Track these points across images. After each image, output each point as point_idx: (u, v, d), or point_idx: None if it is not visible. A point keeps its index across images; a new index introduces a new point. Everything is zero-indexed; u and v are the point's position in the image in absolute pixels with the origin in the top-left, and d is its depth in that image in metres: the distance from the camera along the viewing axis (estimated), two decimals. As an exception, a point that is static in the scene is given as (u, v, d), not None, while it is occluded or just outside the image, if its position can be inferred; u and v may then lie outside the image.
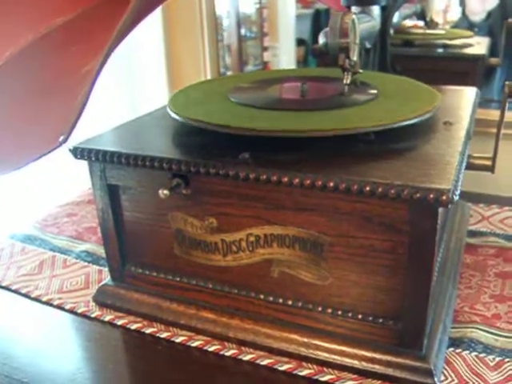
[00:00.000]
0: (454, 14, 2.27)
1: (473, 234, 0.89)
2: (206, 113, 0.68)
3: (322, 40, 0.75)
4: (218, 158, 0.59)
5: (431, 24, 1.41)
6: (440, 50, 1.27)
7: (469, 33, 1.43)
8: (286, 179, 0.55)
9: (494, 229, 0.90)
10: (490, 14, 2.00)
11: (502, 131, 0.67)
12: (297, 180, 0.54)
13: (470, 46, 1.32)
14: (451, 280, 0.72)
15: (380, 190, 0.51)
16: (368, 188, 0.52)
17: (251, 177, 0.56)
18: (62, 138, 0.43)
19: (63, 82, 0.52)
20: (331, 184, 0.53)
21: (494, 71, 1.41)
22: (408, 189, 0.51)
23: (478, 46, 1.32)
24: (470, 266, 0.80)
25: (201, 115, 0.66)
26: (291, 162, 0.57)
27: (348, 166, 0.56)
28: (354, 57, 0.72)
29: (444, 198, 0.49)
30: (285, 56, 2.58)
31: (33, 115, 0.51)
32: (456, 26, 2.05)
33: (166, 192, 0.59)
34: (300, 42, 2.85)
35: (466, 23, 2.04)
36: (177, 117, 0.67)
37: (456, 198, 0.51)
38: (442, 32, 1.40)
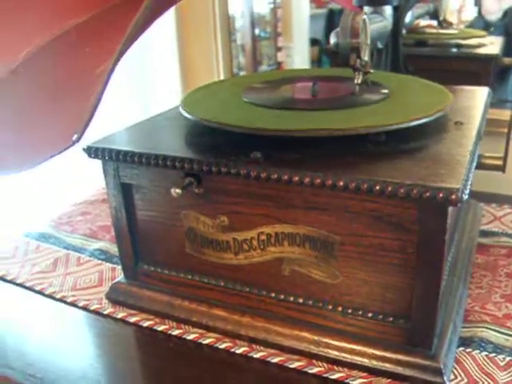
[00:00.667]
0: (469, 14, 2.26)
1: (484, 234, 0.89)
2: (218, 113, 0.68)
3: (333, 40, 0.76)
4: (229, 157, 0.60)
5: (445, 24, 1.41)
6: (453, 50, 1.27)
7: (482, 32, 1.42)
8: (296, 178, 0.55)
9: (506, 229, 0.90)
10: (506, 13, 1.98)
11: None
12: (307, 179, 0.55)
13: (483, 45, 1.31)
14: (462, 280, 0.72)
15: (389, 189, 0.52)
16: (378, 187, 0.52)
17: (262, 176, 0.57)
18: (75, 137, 0.43)
19: (77, 82, 0.52)
20: (341, 183, 0.53)
21: (509, 71, 1.40)
22: (417, 188, 0.51)
23: (492, 45, 1.31)
24: (481, 266, 0.80)
25: (213, 115, 0.66)
26: (302, 161, 0.58)
27: (358, 166, 0.56)
28: (365, 57, 0.72)
29: (453, 197, 0.50)
30: (299, 56, 2.58)
31: (47, 114, 0.52)
32: (471, 25, 2.03)
33: (178, 191, 0.60)
34: (314, 42, 2.85)
35: (481, 23, 2.03)
36: (189, 116, 0.68)
37: (465, 197, 0.51)
38: (455, 32, 1.39)
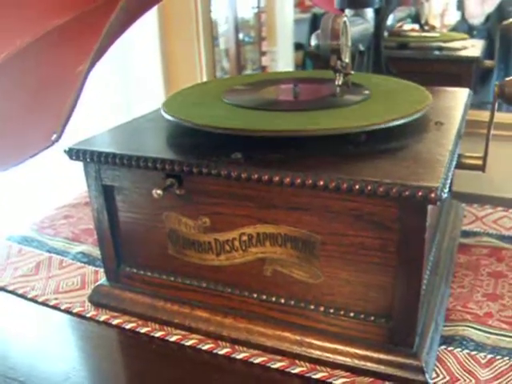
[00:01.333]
0: (452, 18, 2.28)
1: (466, 234, 0.89)
2: (199, 114, 0.69)
3: (313, 42, 0.76)
4: (210, 157, 0.60)
5: (427, 27, 1.42)
6: (435, 53, 1.28)
7: (463, 35, 1.44)
8: (277, 178, 0.55)
9: (488, 229, 0.91)
10: (488, 18, 2.00)
11: (500, 132, 0.68)
12: (287, 179, 0.55)
13: (464, 48, 1.32)
14: (444, 279, 0.73)
15: (369, 188, 0.52)
16: (357, 186, 0.52)
17: (243, 176, 0.57)
18: (54, 137, 0.43)
19: (57, 83, 0.52)
20: (321, 183, 0.54)
21: (490, 74, 1.41)
22: (397, 187, 0.51)
23: (473, 48, 1.33)
24: (463, 266, 0.81)
25: (194, 116, 0.66)
26: (283, 161, 0.58)
27: (338, 166, 0.57)
28: (346, 58, 0.72)
29: (432, 195, 0.50)
30: (283, 60, 2.58)
31: (26, 115, 0.52)
32: (454, 29, 2.05)
33: (159, 192, 0.60)
34: (298, 47, 2.86)
35: (464, 27, 2.05)
36: (170, 118, 0.68)
37: (445, 195, 0.51)
38: (437, 34, 1.40)
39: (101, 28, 0.57)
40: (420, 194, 0.50)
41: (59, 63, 0.57)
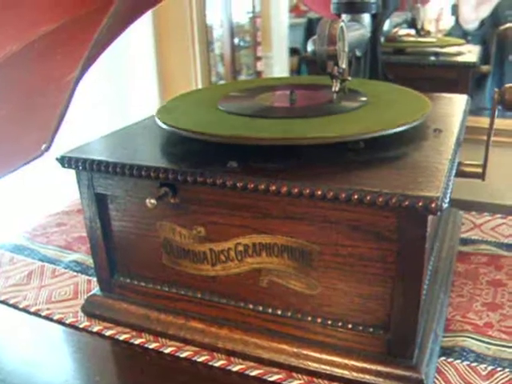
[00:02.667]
0: (447, 23, 2.28)
1: (464, 241, 0.88)
2: (193, 122, 0.67)
3: (310, 47, 0.75)
4: (205, 166, 0.59)
5: (423, 32, 1.41)
6: (431, 58, 1.27)
7: (460, 41, 1.43)
8: (273, 188, 0.54)
9: (486, 237, 0.90)
10: (483, 23, 2.00)
11: (495, 138, 0.67)
12: (284, 188, 0.54)
13: (461, 53, 1.32)
14: (443, 288, 0.72)
15: (368, 198, 0.51)
16: (356, 196, 0.51)
17: (239, 185, 0.56)
18: (44, 146, 0.42)
19: (47, 90, 0.51)
20: (319, 192, 0.52)
21: (486, 79, 1.41)
22: (396, 197, 0.50)
23: (469, 53, 1.32)
24: (462, 274, 0.80)
25: (188, 124, 0.65)
26: (279, 170, 0.57)
27: (336, 175, 0.55)
28: (343, 64, 0.71)
29: (433, 205, 0.49)
30: (278, 65, 2.57)
31: (16, 124, 0.50)
32: (449, 34, 2.05)
33: (153, 201, 0.59)
34: (293, 52, 2.86)
35: (459, 32, 2.05)
36: (164, 126, 0.66)
37: (445, 205, 0.50)
38: (433, 40, 1.40)
39: (92, 34, 0.56)
40: (420, 204, 0.49)
41: (49, 70, 0.56)
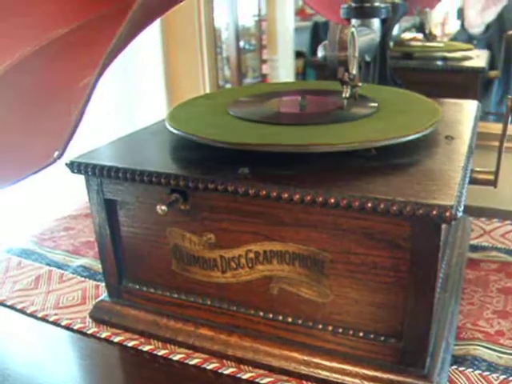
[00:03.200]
0: (452, 27, 2.27)
1: (474, 248, 0.88)
2: (204, 127, 0.67)
3: (320, 53, 0.75)
4: (216, 172, 0.58)
5: (430, 36, 1.41)
6: (439, 63, 1.27)
7: (468, 46, 1.43)
8: (286, 195, 0.54)
9: (496, 243, 0.89)
10: (488, 27, 2.00)
11: (505, 145, 0.66)
12: (297, 196, 0.53)
13: (469, 58, 1.31)
14: (453, 296, 0.71)
15: (382, 206, 0.50)
16: (370, 204, 0.51)
17: (250, 192, 0.55)
18: (56, 154, 0.42)
19: (60, 96, 0.51)
20: (332, 200, 0.52)
21: (491, 84, 1.40)
22: (410, 205, 0.50)
23: (478, 58, 1.32)
24: (472, 282, 0.79)
25: (199, 130, 0.65)
26: (291, 177, 0.56)
27: (349, 182, 0.55)
28: (354, 70, 0.71)
29: (447, 214, 0.49)
30: (283, 68, 2.57)
31: (28, 130, 0.50)
32: (454, 38, 2.04)
33: (163, 208, 0.58)
34: (298, 55, 2.85)
35: (464, 36, 2.04)
36: (175, 131, 0.66)
37: (460, 214, 0.50)
38: (441, 45, 1.39)
39: (106, 39, 0.55)
40: (434, 212, 0.49)
41: (61, 75, 0.55)
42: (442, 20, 2.35)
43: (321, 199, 0.52)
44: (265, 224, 0.59)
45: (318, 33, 2.93)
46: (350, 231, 0.55)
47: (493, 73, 1.26)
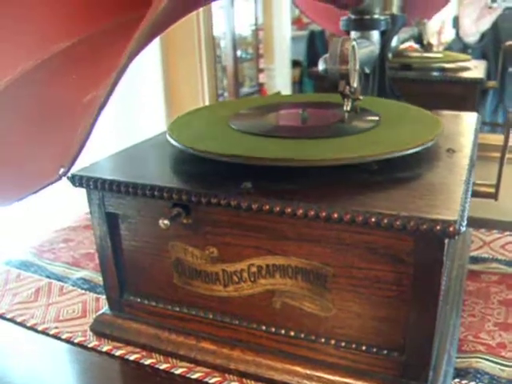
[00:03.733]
0: (448, 35, 2.28)
1: (475, 260, 0.88)
2: (206, 140, 0.67)
3: (321, 66, 0.75)
4: (219, 187, 0.58)
5: (428, 47, 1.41)
6: (438, 74, 1.27)
7: (466, 56, 1.43)
8: (289, 210, 0.54)
9: (496, 255, 0.89)
10: (483, 36, 2.00)
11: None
12: (300, 211, 0.53)
13: (467, 69, 1.32)
14: (454, 308, 0.71)
15: (385, 221, 0.50)
16: (373, 219, 0.51)
17: (253, 207, 0.55)
18: (62, 171, 0.42)
19: (63, 112, 0.51)
20: (335, 215, 0.52)
21: (485, 94, 1.41)
22: (414, 220, 0.50)
23: (476, 69, 1.32)
24: (473, 294, 0.79)
25: (202, 143, 0.65)
26: (294, 191, 0.56)
27: (352, 197, 0.55)
28: (354, 83, 0.71)
29: (451, 229, 0.49)
30: (280, 77, 2.58)
31: (31, 146, 0.50)
32: (449, 47, 2.05)
33: (166, 222, 0.58)
34: (295, 64, 2.86)
35: (459, 45, 2.05)
36: (177, 145, 0.66)
37: (463, 229, 0.50)
38: (440, 55, 1.40)
39: (109, 54, 0.55)
40: (438, 227, 0.49)
41: (64, 90, 0.55)
42: (439, 29, 2.36)
43: (324, 214, 0.52)
44: (267, 238, 0.59)
45: (314, 42, 2.94)
46: (353, 246, 0.55)
47: (490, 83, 1.27)
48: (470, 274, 0.84)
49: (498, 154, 0.68)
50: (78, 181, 0.65)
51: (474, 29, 2.02)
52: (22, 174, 0.47)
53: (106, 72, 0.51)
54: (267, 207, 0.55)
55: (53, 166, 0.43)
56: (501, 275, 0.83)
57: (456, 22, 2.10)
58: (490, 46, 2.01)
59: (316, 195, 0.55)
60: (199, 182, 0.60)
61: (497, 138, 0.66)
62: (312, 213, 0.53)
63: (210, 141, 0.67)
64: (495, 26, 2.00)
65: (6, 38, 0.62)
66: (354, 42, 0.71)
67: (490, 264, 0.87)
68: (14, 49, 0.62)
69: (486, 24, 2.00)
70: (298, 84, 2.98)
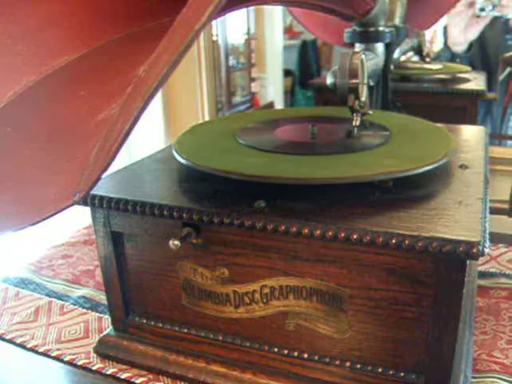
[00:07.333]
0: (439, 45, 2.29)
1: (483, 275, 0.87)
2: (215, 157, 0.65)
3: (330, 80, 0.74)
4: (231, 206, 0.56)
5: (428, 59, 1.41)
6: (439, 86, 1.26)
7: (466, 68, 1.43)
8: (306, 231, 0.52)
9: (504, 269, 0.88)
10: (471, 46, 2.01)
11: (507, 168, 0.66)
12: (318, 232, 0.52)
13: (467, 80, 1.31)
14: (467, 326, 0.70)
15: (407, 242, 0.49)
16: (394, 241, 0.49)
17: (269, 228, 0.53)
18: (77, 196, 0.39)
19: (74, 131, 0.49)
20: (355, 236, 0.50)
21: (491, 105, 1.41)
22: (436, 241, 0.48)
23: (475, 80, 1.32)
24: (484, 310, 0.78)
25: (210, 160, 0.63)
26: (309, 210, 0.55)
27: (370, 216, 0.53)
28: (363, 97, 0.70)
29: (474, 250, 0.47)
30: (272, 86, 2.57)
31: (42, 166, 0.48)
32: (438, 56, 2.06)
33: (176, 243, 0.56)
34: (287, 73, 2.85)
35: (447, 54, 2.06)
36: (185, 161, 0.64)
37: (486, 250, 0.48)
38: (439, 67, 1.39)
39: (120, 68, 0.54)
40: (461, 249, 0.48)
41: (73, 108, 0.53)
42: (430, 38, 2.37)
43: (343, 235, 0.51)
44: (281, 259, 0.57)
45: (306, 51, 2.93)
46: (372, 266, 0.53)
47: (491, 95, 1.26)
48: (479, 289, 0.83)
49: (504, 168, 0.67)
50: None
51: (461, 38, 2.03)
52: (33, 196, 0.45)
53: (118, 88, 0.49)
54: (283, 228, 0.53)
55: (65, 189, 0.41)
56: (510, 290, 0.82)
57: (445, 32, 2.11)
58: (477, 55, 2.02)
59: (332, 214, 0.54)
60: (209, 200, 0.58)
61: (502, 151, 0.65)
62: (330, 233, 0.51)
63: (218, 157, 0.65)
64: (482, 35, 2.01)
65: (7, 50, 0.60)
66: (363, 56, 0.70)
67: (499, 279, 0.86)
68: (17, 62, 0.60)
69: (474, 33, 2.01)
70: (289, 93, 2.97)
